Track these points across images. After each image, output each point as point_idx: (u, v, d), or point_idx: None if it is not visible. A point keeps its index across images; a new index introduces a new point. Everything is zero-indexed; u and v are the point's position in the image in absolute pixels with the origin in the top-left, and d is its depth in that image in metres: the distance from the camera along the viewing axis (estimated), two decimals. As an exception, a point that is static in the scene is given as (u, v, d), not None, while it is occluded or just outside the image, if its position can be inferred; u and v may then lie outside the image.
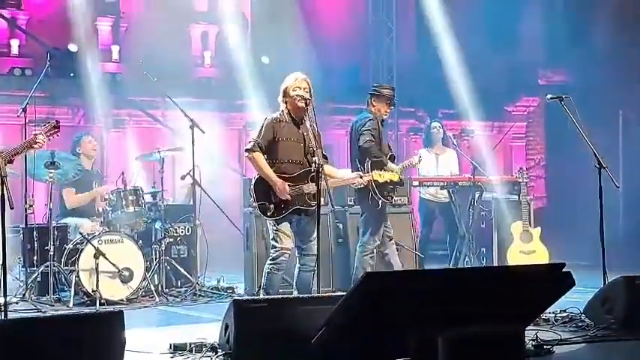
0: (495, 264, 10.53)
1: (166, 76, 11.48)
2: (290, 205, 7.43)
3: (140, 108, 13.57)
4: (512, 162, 15.97)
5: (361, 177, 7.89)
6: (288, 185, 7.41)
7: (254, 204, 7.68)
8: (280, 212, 7.44)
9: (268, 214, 7.49)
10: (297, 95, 7.41)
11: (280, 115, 7.59)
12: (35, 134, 6.53)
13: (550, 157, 15.42)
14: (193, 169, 10.06)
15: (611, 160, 7.85)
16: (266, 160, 7.52)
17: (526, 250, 10.38)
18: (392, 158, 8.77)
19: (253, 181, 7.68)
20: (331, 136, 13.74)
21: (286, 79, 7.58)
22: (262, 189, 7.50)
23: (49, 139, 7.25)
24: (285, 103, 7.57)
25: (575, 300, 7.15)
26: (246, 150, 7.57)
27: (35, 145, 6.50)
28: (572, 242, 11.17)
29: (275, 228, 7.49)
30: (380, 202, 8.52)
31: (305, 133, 7.48)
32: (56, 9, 13.50)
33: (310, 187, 7.36)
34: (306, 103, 7.32)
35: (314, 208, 7.29)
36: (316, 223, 6.98)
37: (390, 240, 8.88)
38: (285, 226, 7.48)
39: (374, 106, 8.80)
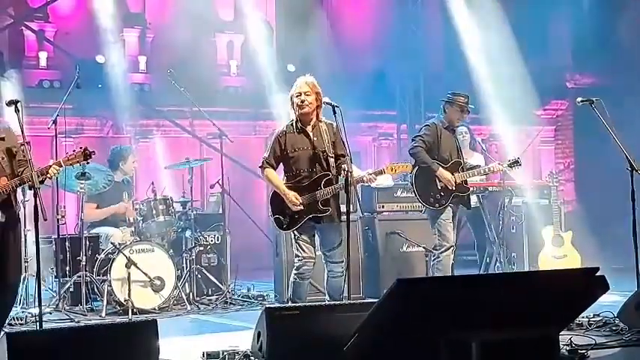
0: (526, 269, 10.46)
1: (193, 86, 11.55)
2: (303, 214, 7.41)
3: (168, 118, 13.64)
4: (541, 166, 15.90)
5: (370, 173, 7.71)
6: (300, 195, 7.39)
7: (271, 217, 7.71)
8: (295, 223, 7.45)
9: (284, 227, 7.54)
10: (298, 100, 7.39)
11: (287, 126, 7.56)
12: (52, 164, 6.53)
13: (579, 161, 15.33)
14: (222, 177, 10.11)
15: (641, 162, 7.76)
16: (284, 172, 7.57)
17: (558, 254, 10.31)
18: (455, 165, 8.77)
19: (269, 195, 7.72)
20: (358, 143, 13.77)
21: (292, 87, 7.56)
22: (276, 202, 7.53)
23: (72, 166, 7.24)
24: (294, 111, 7.53)
25: (609, 304, 7.09)
26: (259, 168, 7.67)
27: (47, 176, 6.49)
28: (604, 246, 11.08)
29: (295, 237, 7.50)
30: (420, 203, 8.75)
31: (315, 139, 7.44)
32: (83, 21, 13.60)
33: (322, 193, 7.37)
34: (330, 105, 7.24)
35: (327, 213, 7.36)
36: (343, 230, 6.99)
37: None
38: (305, 236, 7.47)
39: (446, 113, 8.83)
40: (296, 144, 7.48)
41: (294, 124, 7.52)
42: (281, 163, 7.61)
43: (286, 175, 7.56)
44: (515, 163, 9.24)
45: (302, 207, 7.38)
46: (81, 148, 6.78)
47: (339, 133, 7.51)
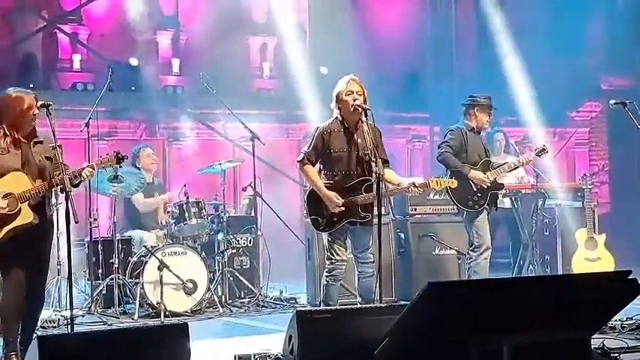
0: (560, 272, 10.40)
1: (226, 88, 11.59)
2: (342, 217, 7.30)
3: (201, 120, 13.67)
4: (575, 168, 15.77)
5: (415, 185, 7.51)
6: (341, 197, 7.28)
7: (306, 218, 7.64)
8: (333, 226, 7.34)
9: (320, 228, 7.43)
10: (351, 99, 7.20)
11: (331, 123, 7.41)
12: (85, 166, 6.59)
13: (613, 163, 15.20)
14: (254, 180, 10.14)
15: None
16: (321, 171, 7.46)
17: (591, 257, 10.23)
18: (485, 165, 8.75)
19: (306, 195, 7.64)
20: (392, 145, 13.69)
21: (338, 84, 7.36)
22: (314, 202, 7.42)
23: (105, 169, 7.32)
24: (339, 109, 7.35)
25: (641, 307, 7.03)
26: (297, 162, 7.53)
27: (81, 177, 6.55)
28: (638, 248, 10.98)
29: (329, 240, 7.41)
30: (459, 209, 8.74)
31: (359, 140, 7.28)
32: (116, 23, 13.67)
33: (364, 198, 7.27)
34: (363, 109, 7.13)
35: (367, 219, 7.28)
36: (376, 232, 6.93)
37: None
38: (340, 238, 7.39)
39: (475, 116, 8.82)
40: (339, 144, 7.33)
41: (339, 123, 7.39)
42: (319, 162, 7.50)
43: (325, 174, 7.43)
44: (543, 150, 9.28)
45: (342, 208, 7.28)
46: (114, 151, 6.82)
47: (381, 138, 7.46)
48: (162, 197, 10.09)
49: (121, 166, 7.38)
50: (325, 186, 7.36)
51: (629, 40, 13.80)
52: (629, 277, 4.82)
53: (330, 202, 7.27)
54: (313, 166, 7.46)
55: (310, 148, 7.44)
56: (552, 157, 9.70)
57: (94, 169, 6.60)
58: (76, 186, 6.60)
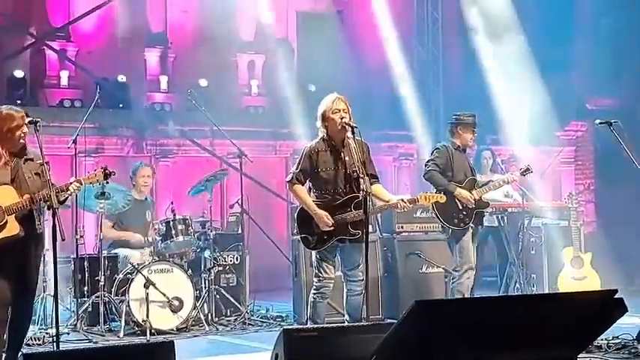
0: (546, 290, 10.43)
1: (214, 106, 11.62)
2: (332, 235, 7.30)
3: (188, 137, 13.68)
4: (561, 187, 15.83)
5: (404, 201, 7.52)
6: (330, 215, 7.27)
7: (297, 236, 7.65)
8: (323, 244, 7.34)
9: (311, 246, 7.43)
10: (338, 118, 7.21)
11: (318, 142, 7.42)
12: (72, 181, 6.59)
13: (599, 182, 15.27)
14: (242, 197, 10.12)
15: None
16: (311, 189, 7.47)
17: (577, 276, 10.26)
18: (471, 183, 8.79)
19: (296, 213, 7.62)
20: (379, 163, 13.69)
21: (323, 102, 7.37)
22: (304, 221, 7.42)
23: (92, 185, 7.33)
24: (325, 128, 7.36)
25: (627, 326, 7.04)
26: (287, 182, 7.54)
27: (67, 192, 6.55)
28: (624, 267, 11.02)
29: (318, 258, 7.41)
30: (444, 226, 8.75)
31: (347, 158, 7.29)
32: (105, 40, 13.69)
33: (353, 215, 7.26)
34: (350, 126, 7.14)
35: (357, 237, 7.27)
36: (364, 250, 6.92)
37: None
38: (329, 256, 7.39)
39: (459, 134, 8.86)
40: (327, 162, 7.35)
41: (325, 142, 7.40)
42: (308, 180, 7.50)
43: (314, 192, 7.44)
44: (527, 170, 9.31)
45: (332, 227, 7.29)
46: (101, 167, 6.83)
47: (369, 153, 7.48)
48: (129, 233, 9.92)
49: (108, 182, 7.37)
50: (315, 204, 7.36)
51: (615, 60, 13.89)
52: (615, 296, 4.83)
53: (321, 222, 7.27)
54: (302, 185, 7.46)
55: (298, 168, 7.45)
56: (538, 176, 9.72)
57: (81, 184, 6.61)
58: (63, 202, 6.60)
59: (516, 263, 10.24)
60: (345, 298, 7.53)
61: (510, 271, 10.43)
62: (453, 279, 8.78)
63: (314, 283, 7.50)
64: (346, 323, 7.38)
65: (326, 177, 7.37)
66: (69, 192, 6.52)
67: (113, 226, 9.82)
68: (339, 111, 7.26)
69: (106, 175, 6.76)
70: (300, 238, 7.53)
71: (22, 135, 6.42)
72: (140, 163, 10.46)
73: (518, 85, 14.33)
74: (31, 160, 6.49)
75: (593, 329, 5.14)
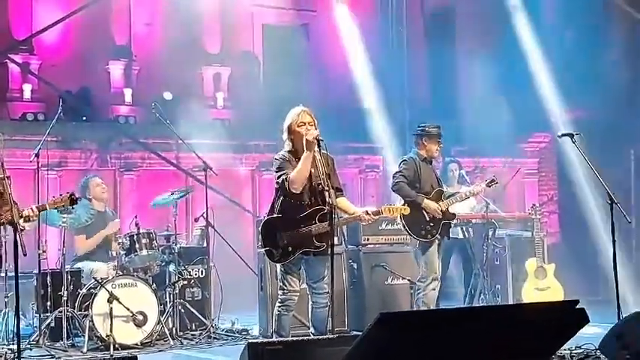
0: (510, 301, 10.49)
1: (179, 118, 11.57)
2: (297, 248, 7.27)
3: (153, 150, 13.62)
4: (524, 198, 15.92)
5: (368, 213, 7.49)
6: (296, 227, 7.21)
7: (261, 249, 7.62)
8: (287, 257, 7.30)
9: (275, 259, 7.39)
10: (303, 131, 7.18)
11: (285, 154, 7.37)
12: (32, 207, 6.55)
13: (562, 193, 15.38)
14: (207, 210, 10.09)
15: (623, 196, 7.81)
16: (280, 201, 7.39)
17: (541, 286, 10.33)
18: (438, 194, 8.82)
19: (260, 226, 7.58)
20: (345, 175, 13.73)
21: (288, 115, 7.35)
22: (268, 233, 7.38)
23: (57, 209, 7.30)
24: (291, 140, 7.34)
25: (590, 336, 7.09)
26: (284, 180, 7.22)
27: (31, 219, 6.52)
28: (587, 278, 11.12)
29: (283, 270, 7.39)
30: (411, 238, 8.77)
31: (312, 170, 7.23)
32: (68, 53, 13.60)
33: (318, 228, 7.22)
34: (318, 140, 7.09)
35: (322, 249, 7.25)
36: (329, 262, 6.89)
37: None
38: (294, 269, 7.36)
39: (425, 145, 8.88)
40: None
41: (291, 154, 7.35)
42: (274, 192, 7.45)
43: (282, 204, 7.35)
44: (492, 181, 9.37)
45: (299, 239, 7.20)
46: (67, 193, 6.80)
47: (334, 166, 7.47)
48: (102, 232, 9.88)
49: (74, 208, 7.32)
50: (278, 217, 7.33)
51: (578, 73, 14.01)
52: (577, 306, 4.86)
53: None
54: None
55: (287, 169, 7.26)
56: (502, 188, 9.78)
57: (45, 209, 6.57)
58: (27, 220, 6.56)
59: (481, 274, 10.30)
60: (310, 310, 7.51)
61: (475, 282, 10.48)
62: (417, 290, 8.79)
63: (279, 296, 7.47)
64: (311, 336, 7.36)
65: None
66: (32, 219, 6.48)
67: (87, 238, 9.78)
68: (305, 124, 7.25)
69: (72, 201, 6.75)
70: (265, 251, 7.47)
71: None
72: (87, 176, 10.40)
73: (482, 96, 14.43)
74: None
75: (555, 339, 5.17)
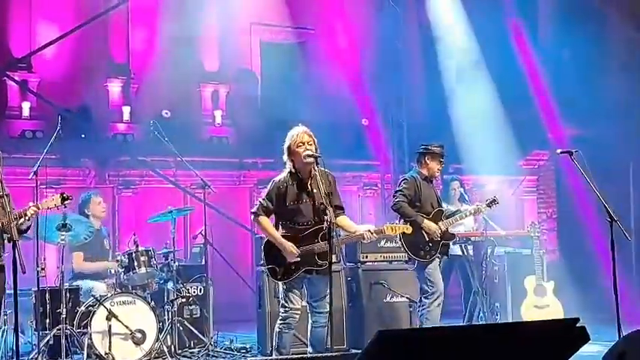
0: (509, 319, 10.46)
1: (177, 136, 11.56)
2: (299, 266, 7.31)
3: (151, 168, 13.62)
4: (523, 215, 15.93)
5: (371, 232, 7.55)
6: (298, 246, 7.30)
7: (263, 268, 7.64)
8: (290, 275, 7.33)
9: (278, 277, 7.41)
10: (302, 151, 7.25)
11: (286, 176, 7.44)
12: (30, 206, 6.56)
13: (561, 210, 15.39)
14: (205, 228, 10.07)
15: (622, 213, 7.80)
16: (277, 222, 7.47)
17: (540, 304, 10.31)
18: (438, 214, 8.80)
19: (262, 244, 7.62)
20: (343, 193, 13.70)
21: (288, 136, 7.40)
22: (271, 252, 7.42)
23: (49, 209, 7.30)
24: (292, 161, 7.40)
25: (590, 354, 7.02)
26: (252, 213, 7.54)
27: (25, 217, 6.53)
28: (586, 295, 11.09)
29: (285, 288, 7.40)
30: (411, 258, 8.76)
31: (314, 190, 7.31)
32: (67, 71, 13.63)
33: (320, 246, 7.26)
34: (313, 156, 7.19)
35: (324, 267, 7.26)
36: (328, 281, 6.93)
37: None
38: (296, 287, 7.38)
39: (427, 164, 8.89)
40: (295, 195, 7.36)
41: (292, 175, 7.41)
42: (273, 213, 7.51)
43: (282, 224, 7.43)
44: (493, 202, 9.36)
45: (299, 258, 7.28)
46: (59, 193, 6.80)
47: (334, 184, 7.51)
48: (104, 264, 9.89)
49: (66, 206, 7.33)
50: (282, 236, 7.38)
51: (576, 90, 14.05)
52: (578, 324, 4.85)
53: (287, 254, 7.28)
54: (268, 217, 7.46)
55: (266, 201, 7.45)
56: (501, 205, 9.76)
57: (38, 208, 6.58)
58: (25, 231, 6.55)
59: (480, 292, 10.27)
60: (309, 329, 7.51)
61: (474, 299, 10.45)
62: (422, 307, 8.75)
63: (280, 314, 7.47)
64: (309, 354, 7.34)
65: (294, 209, 7.38)
66: (27, 217, 6.48)
67: (84, 259, 9.76)
68: (304, 144, 7.30)
69: (64, 199, 6.74)
70: (267, 269, 7.49)
71: None
72: (89, 192, 10.39)
73: (481, 114, 14.46)
74: None
75: (555, 358, 5.15)
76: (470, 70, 14.83)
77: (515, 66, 14.94)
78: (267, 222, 7.44)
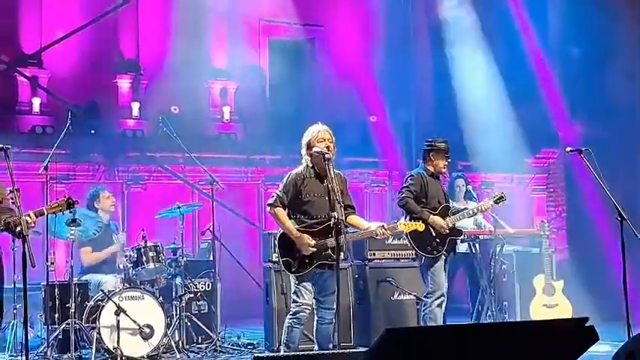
0: (518, 318, 10.44)
1: (186, 132, 11.59)
2: (314, 260, 7.35)
3: (160, 164, 13.65)
4: (533, 214, 15.90)
5: (384, 228, 7.64)
6: (312, 240, 7.36)
7: (278, 259, 7.67)
8: (304, 268, 7.38)
9: (292, 269, 7.43)
10: (320, 147, 7.35)
11: (304, 170, 7.51)
12: (29, 213, 6.58)
13: (571, 209, 15.36)
14: (213, 224, 10.10)
15: (632, 212, 7.78)
16: (292, 215, 7.51)
17: (549, 303, 10.29)
18: (445, 211, 8.80)
19: (277, 236, 7.67)
20: (350, 190, 13.73)
21: (308, 132, 7.51)
22: (286, 245, 7.46)
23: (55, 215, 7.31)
24: (310, 156, 7.47)
25: (598, 354, 7.02)
26: (268, 205, 7.56)
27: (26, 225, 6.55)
28: (595, 294, 11.07)
29: (297, 282, 7.43)
30: (417, 254, 8.71)
31: (330, 186, 7.32)
32: (77, 67, 13.65)
33: (333, 241, 7.25)
34: (323, 154, 7.26)
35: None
36: (342, 277, 6.95)
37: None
38: (307, 282, 7.40)
39: (432, 160, 8.88)
40: (312, 189, 7.44)
41: (310, 169, 7.49)
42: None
43: (296, 218, 7.49)
44: (501, 198, 9.31)
45: (314, 249, 7.33)
46: (64, 197, 6.82)
47: (346, 184, 7.60)
48: (110, 249, 9.92)
49: (71, 212, 7.34)
50: (295, 228, 7.41)
51: (586, 87, 14.02)
52: (587, 324, 4.85)
53: (301, 244, 7.32)
54: (284, 209, 7.50)
55: (282, 192, 7.50)
56: (510, 203, 9.74)
57: (43, 214, 6.59)
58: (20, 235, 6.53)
59: (488, 291, 10.26)
60: (315, 325, 7.53)
61: (482, 298, 10.44)
62: (424, 306, 8.77)
63: (291, 309, 7.50)
64: (316, 351, 7.36)
65: (310, 203, 7.45)
66: (30, 224, 6.49)
67: (93, 250, 9.80)
68: (324, 140, 7.41)
69: (70, 205, 6.75)
70: (282, 261, 7.51)
71: None
72: (97, 187, 10.40)
73: (489, 111, 14.44)
74: None
75: (564, 358, 5.15)
76: (478, 66, 14.78)
77: (524, 62, 14.89)
78: (283, 214, 7.48)
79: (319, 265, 7.38)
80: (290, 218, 7.51)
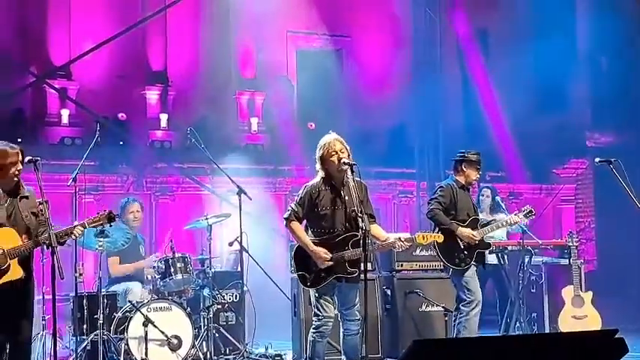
0: (546, 329, 10.38)
1: (214, 143, 11.63)
2: (330, 273, 7.29)
3: (188, 175, 13.70)
4: (561, 225, 15.81)
5: (401, 240, 7.54)
6: (329, 253, 7.29)
7: (293, 274, 7.64)
8: (320, 282, 7.32)
9: (308, 284, 7.40)
10: (335, 159, 7.25)
11: (319, 182, 7.43)
12: (76, 225, 6.63)
13: (599, 220, 15.26)
14: (241, 235, 10.10)
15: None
16: (308, 228, 7.47)
17: (578, 315, 10.21)
18: (473, 223, 8.77)
19: (293, 251, 7.64)
20: (378, 201, 13.73)
21: (320, 145, 7.41)
22: (301, 258, 7.42)
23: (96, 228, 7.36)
24: (324, 169, 7.40)
25: (629, 366, 6.99)
26: (284, 219, 7.52)
27: (72, 236, 6.60)
28: (625, 306, 11.00)
29: (317, 296, 7.39)
30: (445, 265, 8.70)
31: (347, 197, 7.30)
32: (105, 79, 13.76)
33: (351, 254, 7.25)
34: (349, 165, 7.19)
35: (354, 275, 7.26)
36: (361, 289, 6.91)
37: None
38: (327, 295, 7.35)
39: (464, 171, 8.85)
40: (328, 202, 7.36)
41: (325, 182, 7.41)
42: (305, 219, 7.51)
43: (313, 231, 7.44)
44: (530, 213, 9.26)
45: (331, 262, 7.26)
46: (105, 210, 6.83)
47: (367, 192, 7.51)
48: (138, 263, 9.95)
49: (111, 226, 7.38)
50: (314, 243, 7.37)
51: (614, 97, 13.94)
52: (616, 336, 4.81)
53: (318, 258, 7.26)
54: (300, 223, 7.46)
55: (297, 205, 7.46)
56: (539, 214, 9.70)
57: (85, 227, 6.62)
58: (63, 243, 6.59)
59: (517, 302, 10.20)
60: (341, 337, 7.50)
61: (511, 310, 10.38)
62: (460, 315, 8.67)
63: (313, 322, 7.45)
64: (344, 362, 7.35)
65: (325, 216, 7.37)
66: (73, 236, 6.53)
67: (121, 262, 9.83)
68: (337, 152, 7.30)
69: (110, 219, 6.78)
70: (297, 275, 7.49)
71: (17, 172, 6.37)
72: (128, 199, 10.44)
73: (517, 121, 14.38)
74: (26, 198, 6.45)
75: (594, 369, 5.11)
76: (507, 75, 14.73)
77: (552, 73, 14.82)
78: (299, 227, 7.44)
79: (336, 278, 7.32)
80: (308, 230, 7.48)
